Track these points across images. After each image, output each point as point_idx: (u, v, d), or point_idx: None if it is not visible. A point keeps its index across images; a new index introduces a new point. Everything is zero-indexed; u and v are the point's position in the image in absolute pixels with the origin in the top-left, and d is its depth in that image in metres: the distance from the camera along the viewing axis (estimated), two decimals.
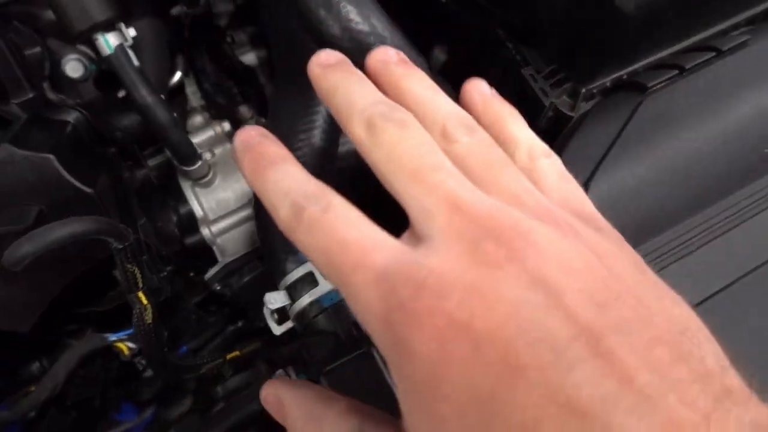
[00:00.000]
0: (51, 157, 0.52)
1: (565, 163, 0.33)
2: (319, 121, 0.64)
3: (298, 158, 0.64)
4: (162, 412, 0.76)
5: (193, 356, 0.78)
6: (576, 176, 0.34)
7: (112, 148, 0.71)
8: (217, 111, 0.87)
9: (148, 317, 0.55)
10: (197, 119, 0.85)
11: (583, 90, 0.74)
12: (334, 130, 0.66)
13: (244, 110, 0.82)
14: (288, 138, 0.64)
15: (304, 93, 0.65)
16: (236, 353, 0.71)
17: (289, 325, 0.61)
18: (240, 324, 0.84)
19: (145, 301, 0.54)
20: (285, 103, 0.66)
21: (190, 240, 0.74)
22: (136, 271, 0.52)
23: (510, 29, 0.79)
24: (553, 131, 0.79)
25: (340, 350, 0.55)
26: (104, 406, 0.75)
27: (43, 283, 0.54)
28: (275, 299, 0.58)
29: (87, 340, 0.61)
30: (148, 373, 0.70)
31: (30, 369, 0.70)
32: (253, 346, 0.73)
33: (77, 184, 0.53)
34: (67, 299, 0.62)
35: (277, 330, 0.61)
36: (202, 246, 0.74)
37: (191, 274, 0.78)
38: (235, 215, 0.76)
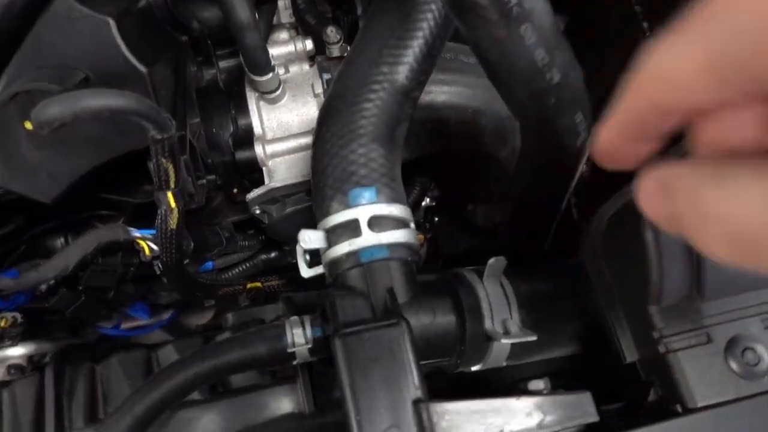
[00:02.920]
0: (111, 21, 0.46)
1: None
2: (408, 56, 0.57)
3: (374, 93, 0.57)
4: (183, 318, 0.72)
5: (217, 274, 0.74)
6: None
7: (185, 36, 0.65)
8: (304, 30, 0.80)
9: (173, 222, 0.50)
10: (282, 35, 0.78)
11: None
12: (424, 70, 0.58)
13: (332, 32, 0.75)
14: (368, 69, 0.56)
15: (399, 17, 0.58)
16: (257, 284, 0.66)
17: (319, 270, 0.55)
18: (273, 255, 0.79)
19: (173, 204, 0.49)
20: (373, 28, 0.59)
21: (241, 154, 0.69)
22: (171, 168, 0.47)
23: (650, 4, 0.67)
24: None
25: (365, 315, 0.48)
26: (117, 299, 0.72)
27: (72, 155, 0.50)
28: (310, 238, 0.51)
29: (109, 229, 0.57)
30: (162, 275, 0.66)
31: (53, 242, 0.68)
32: (275, 281, 0.68)
33: (131, 58, 0.48)
34: (99, 181, 0.58)
35: (306, 272, 0.55)
36: (252, 163, 0.69)
37: (234, 191, 0.73)
38: (293, 140, 0.70)
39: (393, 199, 0.53)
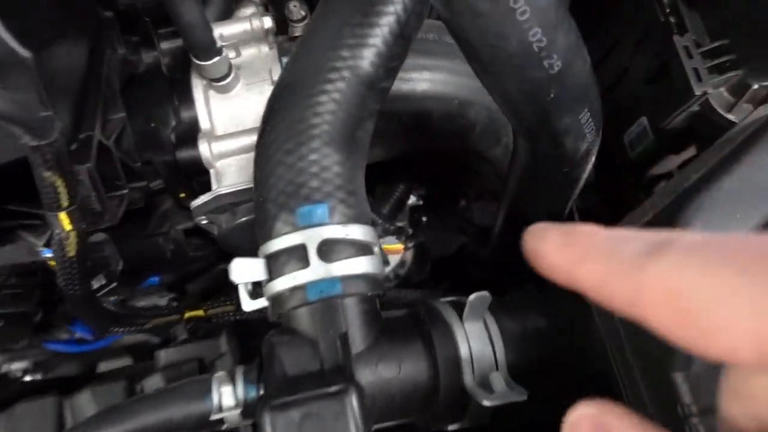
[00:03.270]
0: None
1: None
2: (375, 36, 0.45)
3: (331, 83, 0.46)
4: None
5: (159, 291, 0.63)
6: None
7: (110, 12, 0.54)
8: (272, 5, 0.69)
9: (70, 248, 0.40)
10: (248, 10, 0.67)
11: (756, 86, 0.52)
12: (395, 55, 0.47)
13: (295, 7, 0.64)
14: (324, 53, 0.45)
15: None
16: (199, 312, 0.56)
17: (264, 303, 0.44)
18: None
19: (67, 226, 0.39)
20: (333, 2, 0.47)
21: (183, 153, 0.58)
22: (60, 182, 0.36)
23: None
24: (689, 135, 0.57)
25: (312, 369, 0.38)
26: (46, 321, 0.62)
27: None
28: (244, 270, 0.41)
29: (13, 250, 0.47)
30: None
31: None
32: (221, 308, 0.58)
33: (10, 40, 0.37)
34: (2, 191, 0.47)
35: (249, 305, 0.44)
36: (196, 164, 0.58)
37: (182, 195, 0.63)
38: (247, 137, 0.59)
39: (351, 218, 0.42)
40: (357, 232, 0.42)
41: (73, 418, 0.52)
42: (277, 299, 0.41)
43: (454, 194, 0.94)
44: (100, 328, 0.51)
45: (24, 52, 0.38)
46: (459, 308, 0.43)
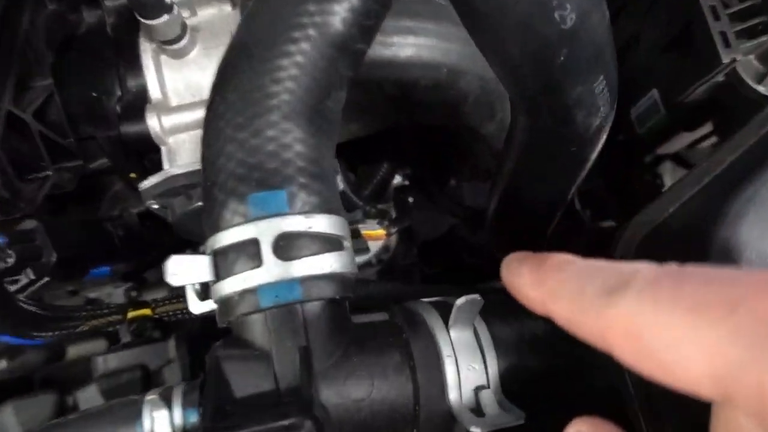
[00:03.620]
0: None
1: None
2: None
3: (294, 44, 0.38)
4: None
5: (113, 282, 0.56)
6: None
7: None
8: None
9: None
10: None
11: None
12: (372, 12, 0.39)
13: None
14: (286, 8, 0.37)
15: None
16: (145, 311, 0.49)
17: (213, 305, 0.38)
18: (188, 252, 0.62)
19: None
20: None
21: (129, 127, 0.50)
22: None
23: None
24: (709, 109, 0.50)
25: (265, 389, 0.31)
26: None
27: None
28: (185, 269, 0.34)
29: None
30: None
31: None
32: (173, 307, 0.51)
33: None
34: None
35: (197, 307, 0.37)
36: (143, 140, 0.50)
37: (132, 176, 0.55)
38: (203, 110, 0.51)
39: (316, 207, 0.35)
40: (322, 223, 0.35)
41: None
42: (225, 303, 0.34)
43: (443, 174, 0.87)
44: (17, 332, 0.44)
45: None
46: (444, 310, 0.37)
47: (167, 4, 0.48)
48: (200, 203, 0.51)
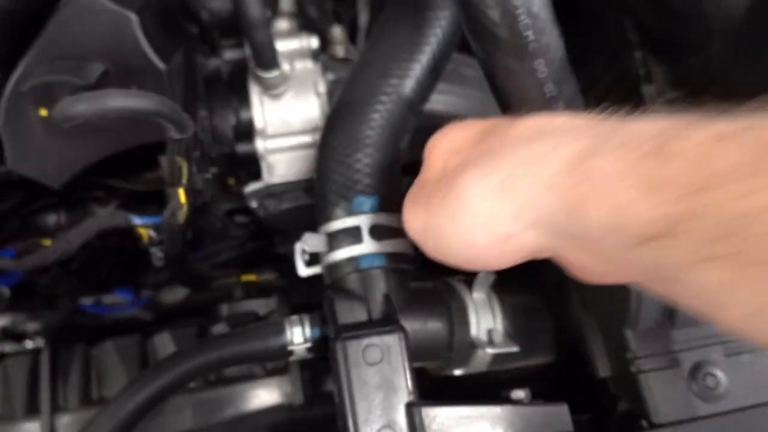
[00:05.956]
0: (133, 17, 0.47)
1: None
2: (416, 70, 0.59)
3: (383, 104, 0.59)
4: (156, 295, 0.74)
5: (208, 262, 0.75)
6: None
7: (195, 28, 0.66)
8: (306, 22, 0.82)
9: (181, 217, 0.52)
10: (283, 24, 0.79)
11: None
12: (429, 85, 0.61)
13: (338, 32, 0.76)
14: (378, 80, 0.58)
15: (409, 31, 0.59)
16: (252, 277, 0.68)
17: (316, 270, 0.57)
18: (260, 244, 0.81)
19: (183, 199, 0.50)
20: (385, 39, 0.61)
21: (242, 147, 0.70)
22: (184, 165, 0.48)
23: (646, 32, 0.70)
24: None
25: (362, 318, 0.51)
26: (108, 280, 0.73)
27: (85, 146, 0.51)
28: (312, 242, 0.54)
29: (111, 216, 0.58)
30: (157, 262, 0.67)
31: (46, 219, 0.68)
32: (269, 276, 0.70)
33: (151, 54, 0.49)
34: (102, 166, 0.59)
35: (304, 271, 0.57)
36: (251, 157, 0.70)
37: (230, 182, 0.75)
38: (293, 138, 0.71)
39: (392, 209, 0.55)
40: (398, 219, 0.55)
41: (155, 354, 0.63)
42: (334, 266, 0.54)
43: None
44: (187, 282, 0.62)
45: (160, 64, 0.50)
46: (469, 285, 0.57)
47: (278, 63, 0.68)
48: (289, 205, 0.71)
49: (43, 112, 0.48)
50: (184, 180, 0.49)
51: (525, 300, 0.59)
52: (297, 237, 0.56)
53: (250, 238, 0.83)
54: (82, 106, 0.40)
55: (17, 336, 0.71)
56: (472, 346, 0.54)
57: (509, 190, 0.33)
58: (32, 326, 0.72)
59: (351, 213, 0.54)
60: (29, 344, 0.62)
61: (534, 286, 0.60)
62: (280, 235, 0.79)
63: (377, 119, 0.57)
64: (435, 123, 0.78)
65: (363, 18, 1.03)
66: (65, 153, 0.51)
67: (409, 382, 0.45)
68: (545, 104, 0.47)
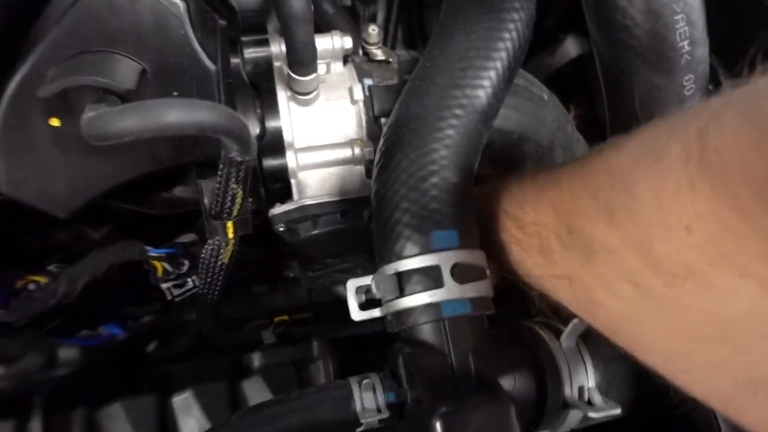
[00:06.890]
0: (181, 5, 0.37)
1: None
2: (492, 78, 0.51)
3: (457, 118, 0.50)
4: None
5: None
6: None
7: (223, 20, 0.55)
8: (319, 20, 0.72)
9: (226, 255, 0.42)
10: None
11: None
12: (503, 95, 0.53)
13: (374, 31, 0.67)
14: (448, 90, 0.50)
15: (484, 31, 0.51)
16: (284, 317, 0.58)
17: (374, 314, 0.48)
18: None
19: (231, 234, 0.40)
20: (452, 42, 0.52)
21: (270, 162, 0.60)
22: (239, 194, 0.39)
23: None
24: None
25: (446, 381, 0.42)
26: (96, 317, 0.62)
27: (105, 166, 0.40)
28: (384, 285, 0.44)
29: (126, 248, 0.48)
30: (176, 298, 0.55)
31: (36, 245, 0.56)
32: (302, 315, 0.60)
33: (201, 52, 0.39)
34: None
35: (358, 315, 0.48)
36: (280, 173, 0.60)
37: (249, 200, 0.64)
38: (328, 152, 0.61)
39: (474, 244, 0.47)
40: (479, 256, 0.47)
41: (173, 420, 0.51)
42: (407, 314, 0.45)
43: None
44: (213, 332, 0.52)
45: (210, 64, 0.40)
46: (554, 331, 0.49)
47: (316, 65, 0.58)
48: (324, 230, 0.61)
49: (54, 122, 0.37)
50: (236, 212, 0.39)
51: (612, 348, 0.51)
52: (322, 263, 0.46)
53: (262, 260, 0.73)
54: (131, 120, 0.29)
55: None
56: (565, 406, 0.46)
57: None
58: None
59: (429, 250, 0.45)
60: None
61: None
62: (304, 261, 0.69)
63: (452, 135, 0.48)
64: (488, 138, 0.70)
65: (380, 17, 0.94)
66: (79, 174, 0.40)
67: None
68: None
